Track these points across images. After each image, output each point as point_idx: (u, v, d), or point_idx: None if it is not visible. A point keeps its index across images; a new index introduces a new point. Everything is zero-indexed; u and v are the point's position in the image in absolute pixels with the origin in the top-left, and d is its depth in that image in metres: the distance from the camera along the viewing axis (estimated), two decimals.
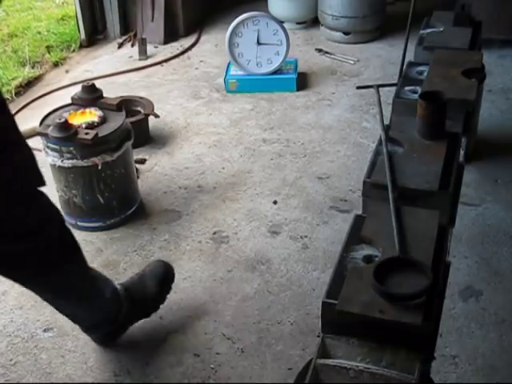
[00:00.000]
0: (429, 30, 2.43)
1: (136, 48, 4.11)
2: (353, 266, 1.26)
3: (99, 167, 2.46)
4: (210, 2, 4.69)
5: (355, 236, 1.34)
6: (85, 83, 2.65)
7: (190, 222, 2.63)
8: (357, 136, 3.17)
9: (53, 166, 2.50)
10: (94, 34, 4.38)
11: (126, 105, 2.84)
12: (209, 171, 2.95)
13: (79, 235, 2.56)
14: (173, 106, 3.52)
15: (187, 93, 3.65)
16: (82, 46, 4.29)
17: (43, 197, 1.64)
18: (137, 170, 2.84)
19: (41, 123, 2.52)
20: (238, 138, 3.21)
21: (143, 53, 4.06)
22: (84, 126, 2.45)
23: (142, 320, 2.13)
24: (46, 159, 2.50)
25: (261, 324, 2.14)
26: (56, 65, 4.08)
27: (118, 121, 2.53)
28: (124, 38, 4.35)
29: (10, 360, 2.05)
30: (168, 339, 2.10)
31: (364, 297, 1.16)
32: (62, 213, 2.59)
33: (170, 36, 4.29)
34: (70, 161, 2.43)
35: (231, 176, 2.91)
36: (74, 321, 1.97)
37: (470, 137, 2.64)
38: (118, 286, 2.02)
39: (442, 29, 2.42)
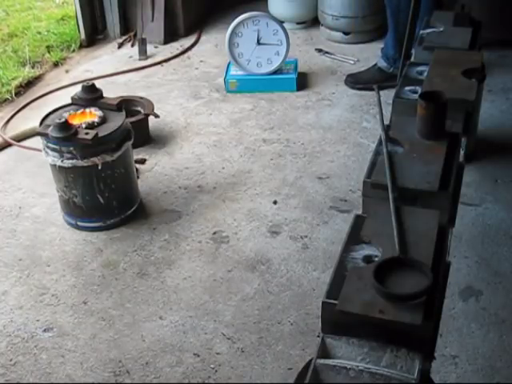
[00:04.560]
0: (429, 30, 2.43)
1: (136, 48, 4.11)
2: (353, 266, 1.26)
3: (99, 167, 2.46)
4: (210, 2, 4.69)
5: (355, 236, 1.34)
6: (85, 83, 2.66)
7: (190, 221, 2.63)
8: (357, 136, 3.17)
9: (53, 166, 2.50)
10: (94, 34, 4.37)
11: (126, 105, 2.84)
12: (209, 171, 2.95)
13: (79, 235, 2.57)
14: (173, 106, 3.52)
15: (187, 93, 3.65)
16: (81, 46, 4.29)
17: None
18: (137, 169, 2.84)
19: (41, 123, 2.52)
20: (238, 138, 3.20)
21: (143, 53, 4.06)
22: (84, 125, 2.45)
23: (143, 320, 2.12)
24: (46, 159, 2.51)
25: (261, 324, 2.14)
26: (56, 65, 4.08)
27: (117, 121, 2.53)
28: (124, 38, 4.34)
29: (10, 360, 2.05)
30: (168, 339, 2.10)
31: (364, 297, 1.16)
32: (62, 213, 2.63)
33: (170, 36, 4.29)
34: (70, 161, 2.43)
35: (231, 176, 2.91)
36: None
37: (470, 137, 2.64)
38: None
39: (441, 29, 2.42)
